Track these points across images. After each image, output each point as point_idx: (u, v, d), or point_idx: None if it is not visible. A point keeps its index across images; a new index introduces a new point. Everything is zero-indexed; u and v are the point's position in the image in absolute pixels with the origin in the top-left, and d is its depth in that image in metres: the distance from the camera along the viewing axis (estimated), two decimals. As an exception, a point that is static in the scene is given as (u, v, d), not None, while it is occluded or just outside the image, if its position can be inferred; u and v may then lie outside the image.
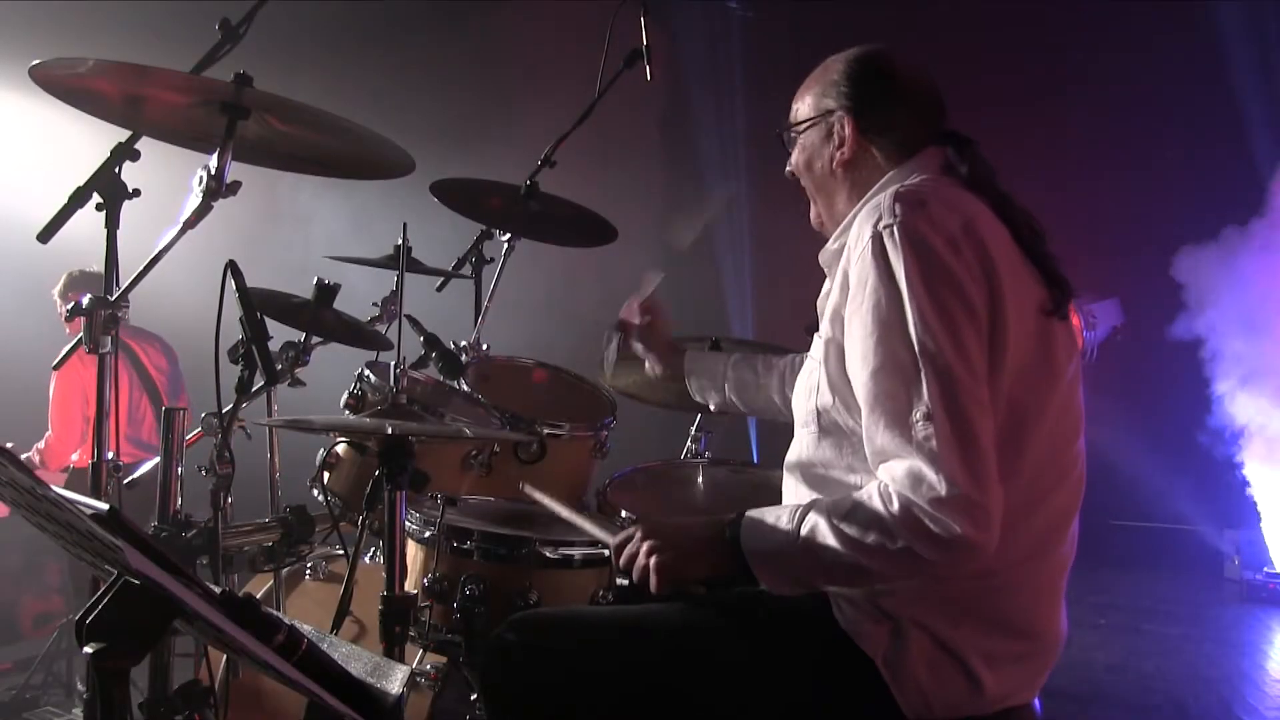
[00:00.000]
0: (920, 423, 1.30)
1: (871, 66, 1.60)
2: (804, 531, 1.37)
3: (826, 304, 1.62)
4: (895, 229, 1.37)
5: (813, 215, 1.70)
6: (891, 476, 1.32)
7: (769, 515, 1.43)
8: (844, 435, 1.48)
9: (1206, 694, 4.43)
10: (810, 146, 1.64)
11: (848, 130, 1.59)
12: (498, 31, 6.49)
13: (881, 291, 1.36)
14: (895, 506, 1.30)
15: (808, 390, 1.54)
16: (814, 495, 1.49)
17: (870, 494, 1.34)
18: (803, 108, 1.65)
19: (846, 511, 1.35)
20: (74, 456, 4.32)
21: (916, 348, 1.32)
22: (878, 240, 1.38)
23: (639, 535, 1.50)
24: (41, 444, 4.34)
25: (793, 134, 1.66)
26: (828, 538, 1.34)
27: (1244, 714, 4.18)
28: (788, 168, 1.70)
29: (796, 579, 1.42)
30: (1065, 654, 1.52)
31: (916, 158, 1.56)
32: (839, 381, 1.46)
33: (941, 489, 1.27)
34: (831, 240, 1.61)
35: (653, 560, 1.46)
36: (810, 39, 6.86)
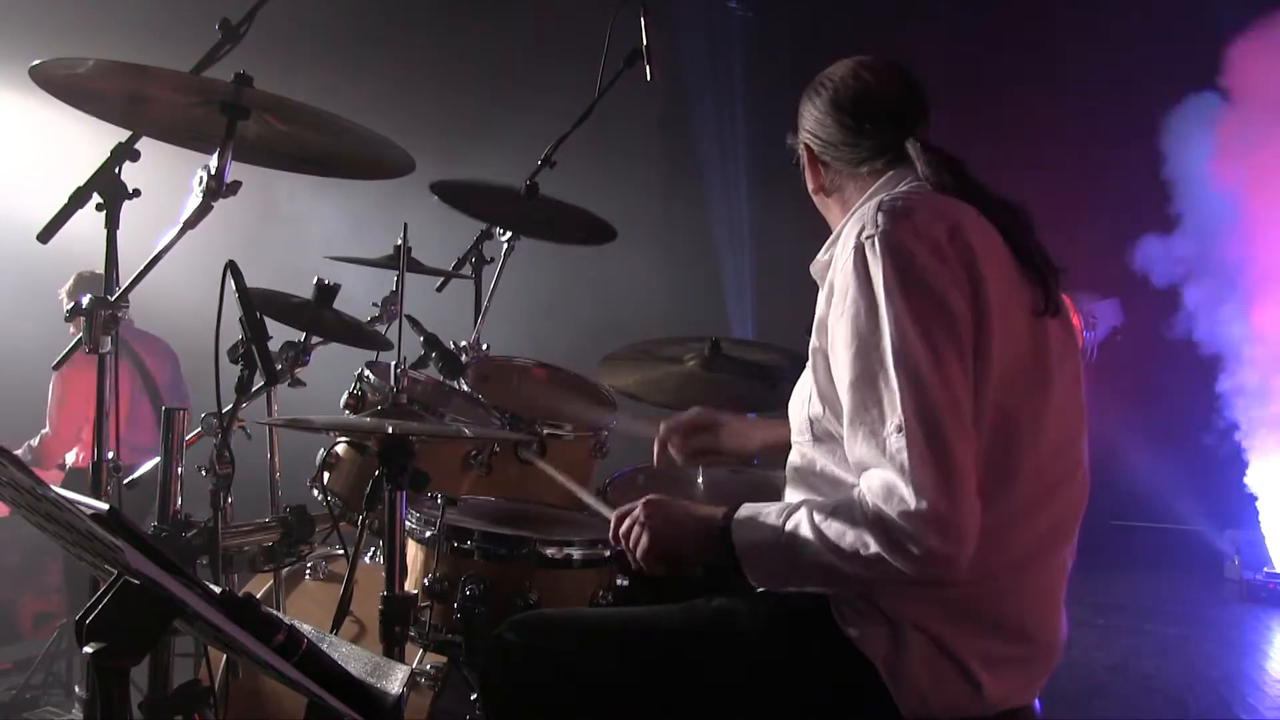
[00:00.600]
0: (893, 435, 1.31)
1: (827, 95, 1.61)
2: (788, 528, 1.40)
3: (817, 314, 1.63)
4: (876, 240, 1.37)
5: None
6: (868, 485, 1.34)
7: (762, 511, 1.46)
8: (836, 443, 1.48)
9: (1206, 694, 4.43)
10: (802, 169, 1.70)
11: (804, 159, 1.67)
12: (498, 31, 6.48)
13: (861, 303, 1.37)
14: (870, 515, 1.31)
15: (801, 400, 1.55)
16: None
17: (850, 500, 1.36)
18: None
19: (828, 514, 1.37)
20: (70, 456, 4.31)
21: (892, 360, 1.33)
22: (859, 251, 1.39)
23: (641, 511, 1.55)
24: (36, 440, 4.31)
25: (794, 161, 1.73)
26: (808, 537, 1.37)
27: (1244, 714, 4.18)
28: None
29: (778, 575, 1.45)
30: (1065, 654, 1.52)
31: (901, 166, 1.57)
32: (828, 391, 1.46)
33: (912, 503, 1.28)
34: (821, 252, 1.62)
35: (645, 537, 1.52)
36: (810, 39, 6.86)
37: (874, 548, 1.31)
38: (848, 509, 1.35)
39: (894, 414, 1.31)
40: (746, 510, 1.47)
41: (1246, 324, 6.71)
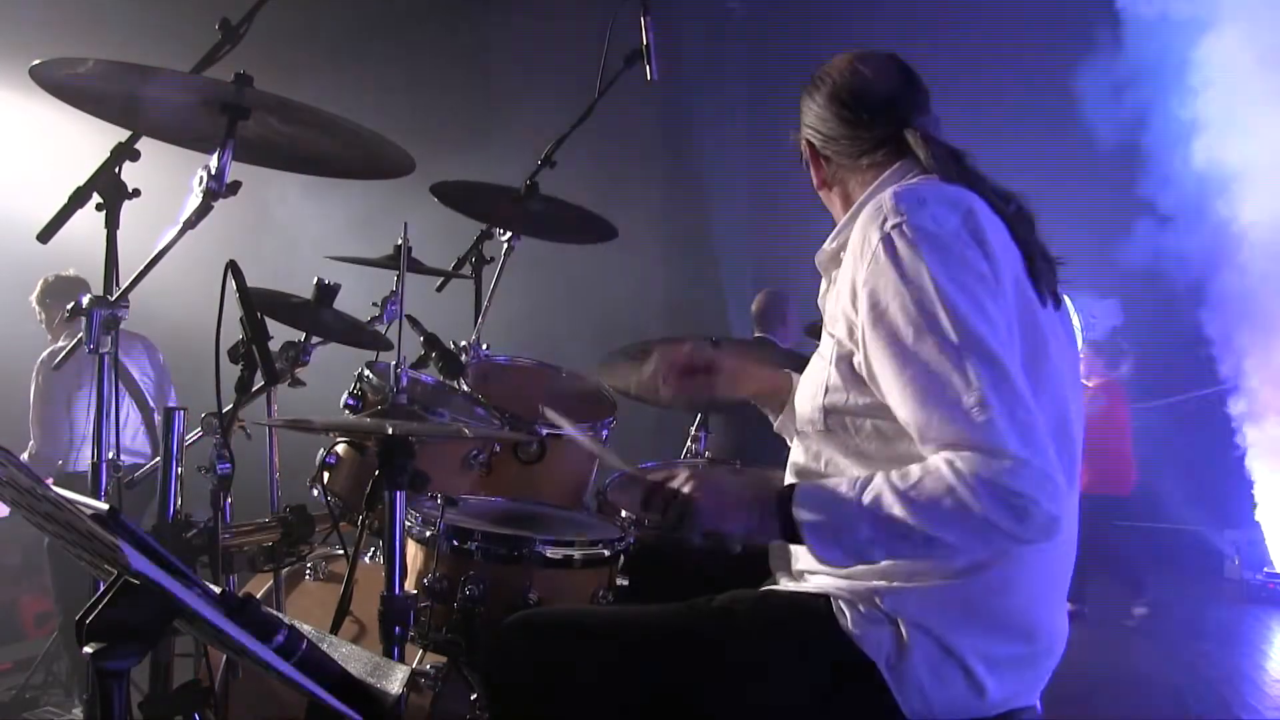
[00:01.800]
0: (976, 408, 1.28)
1: (826, 89, 1.62)
2: (867, 500, 1.33)
3: (826, 304, 1.63)
4: (904, 227, 1.37)
5: None
6: (959, 457, 1.28)
7: (823, 484, 1.41)
8: (849, 434, 1.48)
9: (1207, 694, 4.43)
10: (806, 166, 1.71)
11: (807, 155, 1.68)
12: (497, 31, 6.49)
13: (906, 291, 1.35)
14: (973, 480, 1.26)
15: (814, 389, 1.53)
16: None
17: (939, 466, 1.30)
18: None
19: (915, 482, 1.31)
20: (59, 462, 4.28)
21: (956, 338, 1.31)
22: (889, 241, 1.38)
23: (683, 475, 1.45)
24: (25, 455, 4.20)
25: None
26: (894, 507, 1.30)
27: (1244, 714, 4.19)
28: None
29: (852, 548, 1.35)
30: (1065, 653, 1.52)
31: (904, 159, 1.57)
32: (850, 381, 1.46)
33: (1015, 463, 1.25)
34: (827, 242, 1.62)
35: (693, 502, 1.41)
36: (810, 38, 6.86)
37: (981, 511, 1.25)
38: (940, 476, 1.29)
39: (971, 390, 1.29)
40: (808, 485, 1.41)
41: (1247, 322, 6.71)
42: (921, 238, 1.36)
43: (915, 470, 1.32)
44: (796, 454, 1.60)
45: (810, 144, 1.66)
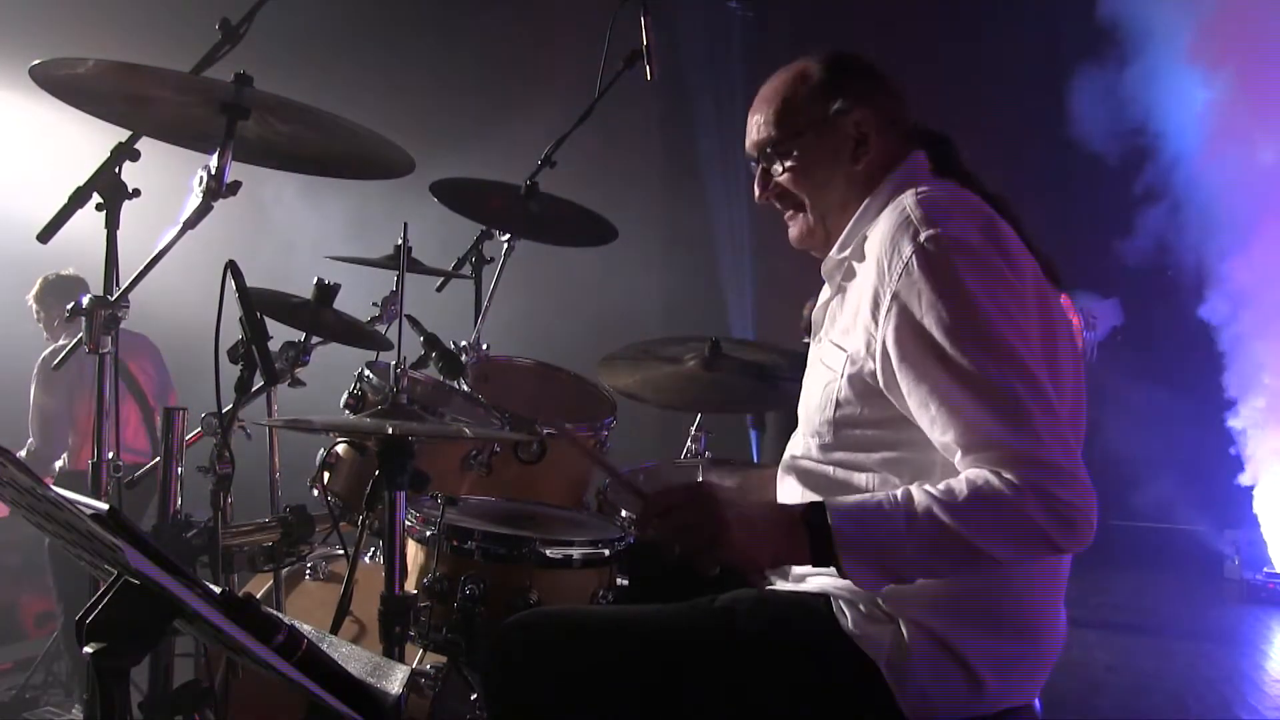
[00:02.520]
0: (1021, 420, 1.28)
1: (853, 62, 1.58)
2: (919, 511, 1.28)
3: (828, 312, 1.61)
4: (939, 238, 1.36)
5: (799, 231, 1.63)
6: (1006, 467, 1.27)
7: (862, 501, 1.35)
8: (857, 445, 1.47)
9: (1207, 694, 4.43)
10: (812, 156, 1.56)
11: (871, 126, 1.54)
12: (497, 31, 6.48)
13: (942, 305, 1.34)
14: (1026, 490, 1.25)
15: (823, 402, 1.51)
16: (815, 498, 1.46)
17: (987, 477, 1.27)
18: (784, 121, 1.56)
19: (965, 494, 1.27)
20: (59, 463, 4.28)
21: (996, 351, 1.31)
22: (923, 253, 1.36)
23: (700, 503, 1.34)
24: (22, 453, 4.20)
25: (780, 150, 1.58)
26: (943, 521, 1.26)
27: (1244, 714, 4.18)
28: (768, 189, 1.62)
29: (891, 569, 1.31)
30: (1065, 654, 1.52)
31: (909, 159, 1.56)
32: (863, 396, 1.45)
33: (1063, 473, 1.26)
34: (835, 250, 1.59)
35: (721, 538, 1.32)
36: (810, 38, 6.85)
37: (1036, 520, 1.24)
38: (989, 489, 1.26)
39: (1012, 402, 1.28)
40: (842, 503, 1.34)
41: (1248, 322, 6.71)
42: (955, 250, 1.35)
43: (959, 484, 1.29)
44: (799, 452, 1.58)
45: (873, 114, 1.53)
